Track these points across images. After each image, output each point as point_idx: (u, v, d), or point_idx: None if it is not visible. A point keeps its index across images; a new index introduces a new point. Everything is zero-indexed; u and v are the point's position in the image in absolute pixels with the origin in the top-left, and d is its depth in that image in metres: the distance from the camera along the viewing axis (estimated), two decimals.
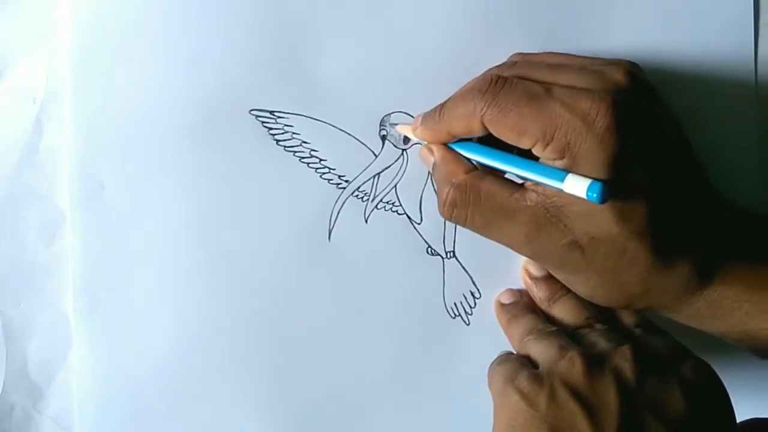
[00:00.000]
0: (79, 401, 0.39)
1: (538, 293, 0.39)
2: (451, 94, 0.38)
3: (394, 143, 0.39)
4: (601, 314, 0.37)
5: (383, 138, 0.39)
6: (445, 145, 0.36)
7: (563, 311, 0.37)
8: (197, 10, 0.38)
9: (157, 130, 0.38)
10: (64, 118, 0.38)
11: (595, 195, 0.30)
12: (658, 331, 0.36)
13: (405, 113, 0.39)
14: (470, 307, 0.40)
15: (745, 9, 0.40)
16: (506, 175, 0.35)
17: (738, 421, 0.34)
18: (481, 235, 0.35)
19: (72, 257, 0.39)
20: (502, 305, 0.39)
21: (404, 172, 0.39)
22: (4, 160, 0.39)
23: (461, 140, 0.35)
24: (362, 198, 0.39)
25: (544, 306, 0.38)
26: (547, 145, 0.31)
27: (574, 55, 0.36)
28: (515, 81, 0.33)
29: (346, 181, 0.39)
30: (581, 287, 0.35)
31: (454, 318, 0.40)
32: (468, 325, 0.40)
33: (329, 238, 0.39)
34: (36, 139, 0.39)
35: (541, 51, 0.38)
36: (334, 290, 0.39)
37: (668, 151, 0.34)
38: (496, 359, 0.36)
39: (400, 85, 0.39)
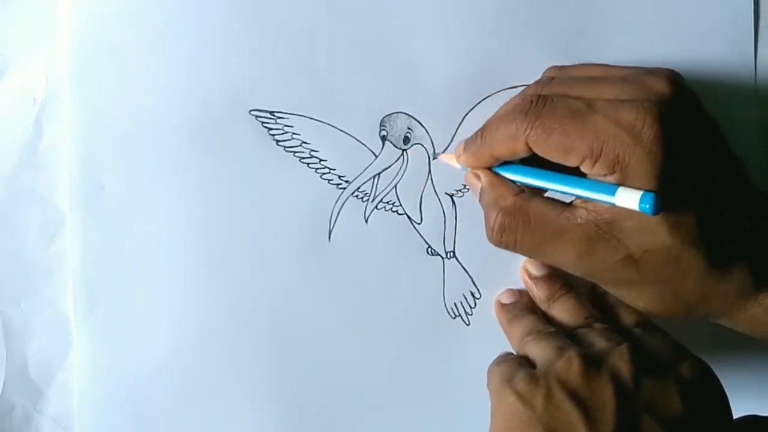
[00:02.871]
0: (79, 401, 0.39)
1: (538, 293, 0.38)
2: (451, 94, 0.38)
3: (395, 143, 0.39)
4: (600, 314, 0.37)
5: (383, 138, 0.39)
6: (490, 169, 0.36)
7: (562, 311, 0.37)
8: (197, 11, 0.38)
9: (157, 130, 0.38)
10: (64, 118, 0.38)
11: (648, 206, 0.29)
12: (657, 330, 0.36)
13: (405, 113, 0.39)
14: (470, 307, 0.40)
15: (745, 10, 0.40)
16: (550, 194, 0.35)
17: (735, 418, 0.34)
18: (532, 258, 0.35)
19: (72, 257, 0.39)
20: (502, 305, 0.39)
21: (404, 172, 0.39)
22: (4, 160, 0.39)
23: (506, 163, 0.35)
24: (362, 198, 0.39)
25: (543, 306, 0.38)
26: (596, 161, 0.31)
27: (612, 66, 0.35)
28: (556, 99, 0.32)
29: (346, 181, 0.39)
30: (638, 301, 0.35)
31: (454, 318, 0.40)
32: (468, 325, 0.40)
33: (329, 238, 0.39)
34: (36, 139, 0.39)
35: (542, 53, 0.39)
36: (334, 290, 0.39)
37: (713, 158, 0.33)
38: (495, 360, 0.36)
39: (400, 85, 0.39)
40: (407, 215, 0.40)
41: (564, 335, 0.35)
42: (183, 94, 0.38)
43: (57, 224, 0.39)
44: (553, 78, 0.35)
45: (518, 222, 0.34)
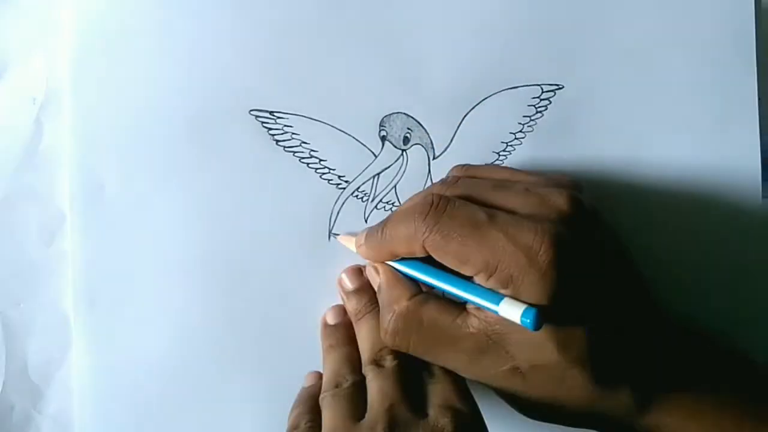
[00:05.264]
0: (79, 401, 0.39)
1: (348, 308, 0.38)
2: (451, 94, 0.38)
3: (394, 143, 0.39)
4: None
5: (383, 138, 0.39)
6: (388, 264, 0.36)
7: (364, 333, 0.37)
8: (197, 11, 0.38)
9: (157, 130, 0.38)
10: (64, 118, 0.38)
11: (528, 321, 0.30)
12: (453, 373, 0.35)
13: (405, 113, 0.39)
14: None
15: (745, 8, 0.40)
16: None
17: None
18: (425, 359, 0.35)
19: (72, 257, 0.39)
20: (326, 326, 0.39)
21: (404, 172, 0.39)
22: (4, 160, 0.39)
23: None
24: (362, 198, 0.39)
25: (353, 322, 0.38)
26: (490, 276, 0.31)
27: (518, 170, 0.36)
28: (458, 204, 0.32)
29: (346, 181, 0.39)
30: (523, 410, 0.35)
31: None
32: None
33: (329, 238, 0.39)
34: (36, 139, 0.39)
35: (542, 53, 0.39)
36: (334, 289, 0.39)
37: (609, 275, 0.33)
38: (300, 395, 0.37)
39: (400, 85, 0.39)
40: None
41: (354, 397, 0.34)
42: (183, 94, 0.38)
43: (57, 224, 0.39)
44: (459, 179, 0.35)
45: (411, 327, 0.34)
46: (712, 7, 0.39)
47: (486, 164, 0.38)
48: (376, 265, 0.36)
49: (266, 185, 0.39)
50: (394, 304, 0.34)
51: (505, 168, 0.37)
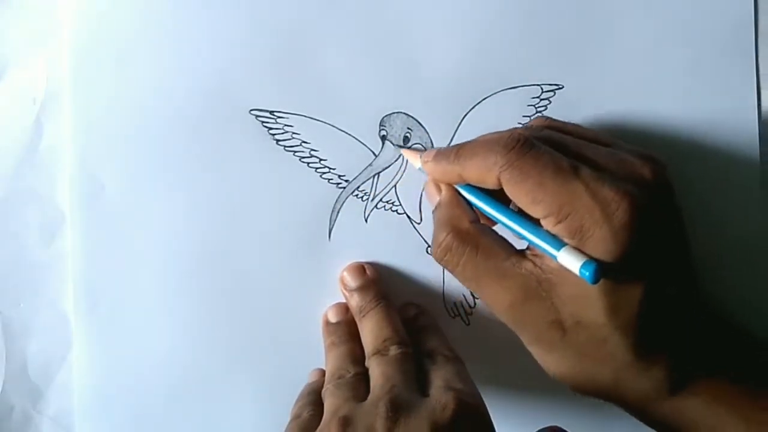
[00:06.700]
0: (79, 401, 0.39)
1: (352, 305, 0.38)
2: (451, 94, 0.38)
3: (394, 143, 0.39)
4: (403, 333, 0.36)
5: (383, 138, 0.39)
6: (452, 185, 0.35)
7: (368, 329, 0.37)
8: (197, 10, 0.38)
9: (157, 130, 0.38)
10: (64, 118, 0.38)
11: (588, 273, 0.29)
12: (452, 360, 0.35)
13: (405, 113, 0.39)
14: (470, 306, 0.40)
15: (745, 7, 0.40)
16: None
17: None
18: (466, 286, 0.34)
19: (72, 257, 0.39)
20: (327, 324, 0.39)
21: (404, 171, 0.39)
22: (4, 160, 0.39)
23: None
24: (362, 198, 0.39)
25: (357, 318, 0.38)
26: (559, 222, 0.31)
27: (603, 134, 0.35)
28: (544, 148, 0.32)
29: (346, 181, 0.39)
30: (552, 367, 0.34)
31: (453, 318, 0.40)
32: (468, 324, 0.40)
33: (329, 237, 0.39)
34: (36, 139, 0.39)
35: (542, 53, 0.39)
36: (334, 289, 0.39)
37: (670, 253, 0.33)
38: (303, 391, 0.37)
39: (400, 85, 0.39)
40: (407, 215, 0.40)
41: (355, 385, 0.34)
42: (183, 93, 0.38)
43: (57, 224, 0.39)
44: (545, 128, 0.35)
45: (466, 248, 0.33)
46: (711, 6, 0.39)
47: (571, 122, 0.37)
48: (439, 183, 0.36)
49: (266, 185, 0.39)
50: (455, 221, 0.34)
51: (590, 129, 0.36)
